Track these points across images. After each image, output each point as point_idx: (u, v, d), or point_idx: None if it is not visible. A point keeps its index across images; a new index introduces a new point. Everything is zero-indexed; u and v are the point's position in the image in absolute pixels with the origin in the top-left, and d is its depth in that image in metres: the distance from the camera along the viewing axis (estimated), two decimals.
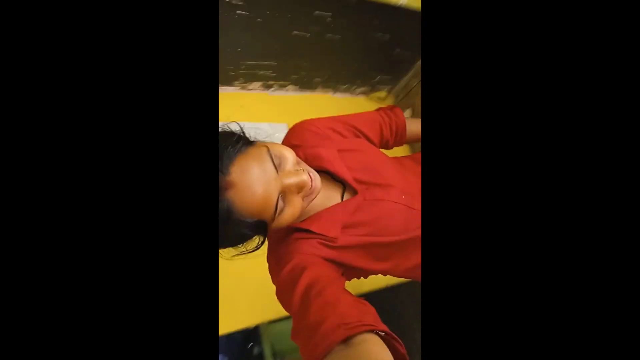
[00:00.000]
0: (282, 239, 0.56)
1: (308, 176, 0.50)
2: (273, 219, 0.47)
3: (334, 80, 1.61)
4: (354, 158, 0.61)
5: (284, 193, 0.48)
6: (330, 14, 1.20)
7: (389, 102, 1.96)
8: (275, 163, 0.47)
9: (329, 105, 1.73)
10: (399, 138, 0.76)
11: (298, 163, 0.51)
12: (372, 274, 0.62)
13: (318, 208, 0.57)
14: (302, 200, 0.50)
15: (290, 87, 1.54)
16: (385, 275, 0.63)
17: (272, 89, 1.52)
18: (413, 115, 1.99)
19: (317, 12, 1.17)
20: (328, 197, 0.59)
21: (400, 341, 0.39)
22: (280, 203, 0.47)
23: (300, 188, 0.48)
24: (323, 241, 0.53)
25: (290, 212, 0.49)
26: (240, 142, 0.46)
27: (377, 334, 0.39)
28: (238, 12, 1.06)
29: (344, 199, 0.59)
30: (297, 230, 0.55)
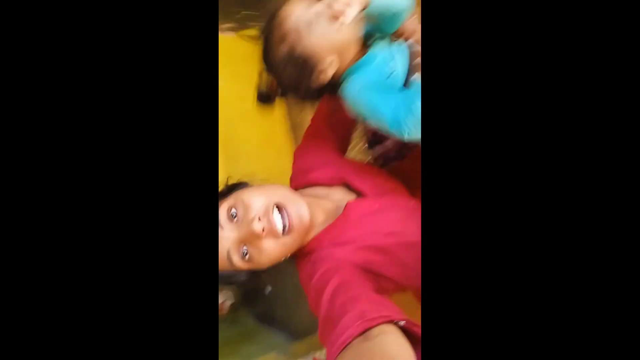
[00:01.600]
0: (313, 252, 0.57)
1: (270, 223, 0.51)
2: (232, 265, 0.50)
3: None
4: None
5: (247, 241, 0.50)
6: None
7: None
8: (232, 215, 0.50)
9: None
10: None
11: (267, 210, 0.51)
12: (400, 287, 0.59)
13: (333, 218, 0.58)
14: (280, 240, 0.51)
15: None
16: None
17: None
18: None
19: None
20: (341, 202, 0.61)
21: (419, 326, 0.39)
22: (244, 249, 0.50)
23: (256, 237, 0.49)
24: (352, 246, 0.54)
25: (264, 256, 0.51)
26: None
27: (396, 324, 0.40)
28: None
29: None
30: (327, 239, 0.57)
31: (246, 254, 0.51)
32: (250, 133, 1.53)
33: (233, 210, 0.52)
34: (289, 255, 0.56)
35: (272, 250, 0.51)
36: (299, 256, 0.58)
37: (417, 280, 0.50)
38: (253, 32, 1.52)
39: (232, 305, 1.78)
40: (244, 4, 1.51)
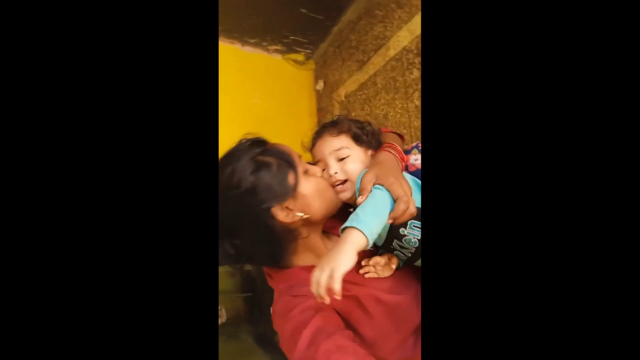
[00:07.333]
0: (293, 286, 0.55)
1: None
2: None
3: (238, 32, 1.59)
4: None
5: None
6: None
7: (309, 67, 1.58)
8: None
9: (236, 59, 1.54)
10: None
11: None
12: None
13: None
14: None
15: None
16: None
17: None
18: (325, 88, 1.58)
19: None
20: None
21: None
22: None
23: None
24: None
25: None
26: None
27: None
28: None
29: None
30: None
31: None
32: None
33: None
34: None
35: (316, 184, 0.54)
36: (280, 281, 0.57)
37: (391, 356, 0.50)
38: (300, 57, 1.61)
39: (222, 323, 1.74)
40: (290, 29, 1.58)
